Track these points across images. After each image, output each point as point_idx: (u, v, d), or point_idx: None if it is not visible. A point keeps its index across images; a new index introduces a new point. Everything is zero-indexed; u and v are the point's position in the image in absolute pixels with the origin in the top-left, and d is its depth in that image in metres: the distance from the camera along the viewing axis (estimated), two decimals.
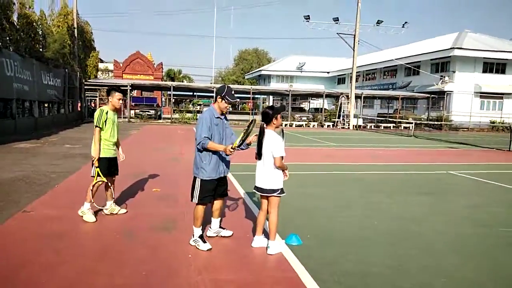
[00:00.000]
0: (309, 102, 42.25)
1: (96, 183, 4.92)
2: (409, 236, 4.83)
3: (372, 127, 32.17)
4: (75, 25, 24.97)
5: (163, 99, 43.15)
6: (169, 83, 31.16)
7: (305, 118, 33.21)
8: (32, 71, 17.42)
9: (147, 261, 3.75)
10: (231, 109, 32.09)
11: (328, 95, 35.78)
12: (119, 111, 5.54)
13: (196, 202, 4.11)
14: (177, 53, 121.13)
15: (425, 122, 31.42)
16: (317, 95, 36.83)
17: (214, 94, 28.99)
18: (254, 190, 4.18)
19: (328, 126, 31.92)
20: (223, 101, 4.05)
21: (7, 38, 15.54)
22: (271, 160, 3.93)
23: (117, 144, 5.23)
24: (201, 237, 4.14)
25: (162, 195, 6.46)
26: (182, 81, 49.73)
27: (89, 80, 27.92)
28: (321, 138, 19.82)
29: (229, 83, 63.16)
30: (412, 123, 26.10)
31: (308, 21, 30.48)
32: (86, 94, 28.79)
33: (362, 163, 11.16)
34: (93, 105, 32.38)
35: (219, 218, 4.48)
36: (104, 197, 5.25)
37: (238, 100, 4.08)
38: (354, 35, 29.34)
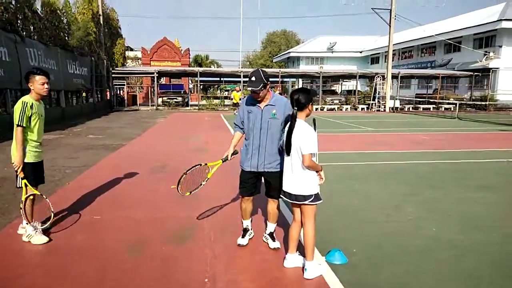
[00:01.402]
0: (341, 84, 40.41)
1: (27, 198, 3.81)
2: (478, 248, 3.82)
3: (410, 109, 30.19)
4: (100, 12, 24.64)
5: (190, 86, 42.79)
6: (196, 68, 30.55)
7: (337, 101, 31.65)
8: (56, 60, 17.21)
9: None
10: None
11: (362, 76, 33.87)
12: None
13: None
14: (204, 38, 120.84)
15: (468, 102, 29.11)
16: (350, 76, 34.99)
17: (242, 79, 27.98)
18: (282, 196, 3.31)
19: (362, 109, 30.27)
20: None
21: (31, 27, 15.24)
22: (300, 158, 3.05)
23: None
24: (244, 230, 3.85)
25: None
26: (210, 67, 49.08)
27: (117, 68, 27.73)
28: (356, 123, 18.54)
29: (256, 67, 61.87)
30: (454, 103, 24.10)
31: None
32: (114, 83, 28.64)
33: (405, 151, 9.98)
34: (121, 93, 32.35)
35: (271, 224, 3.81)
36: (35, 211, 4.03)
37: (253, 88, 3.32)
38: (390, 10, 27.29)
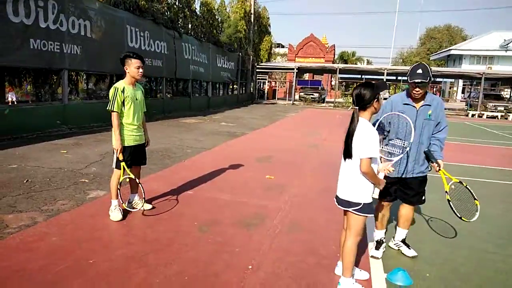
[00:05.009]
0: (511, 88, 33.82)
1: (123, 180, 4.03)
2: None
3: None
4: (252, 11, 26.54)
5: (333, 83, 42.42)
6: (335, 65, 30.10)
7: (501, 108, 26.70)
8: (207, 55, 19.40)
9: (200, 265, 3.15)
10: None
11: None
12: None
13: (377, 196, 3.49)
14: (354, 34, 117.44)
15: None
16: None
17: (385, 77, 26.39)
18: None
19: None
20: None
21: (189, 24, 17.54)
22: (355, 160, 2.68)
23: (143, 126, 4.25)
24: (378, 242, 3.53)
25: (272, 184, 5.80)
26: (356, 64, 47.59)
27: (261, 64, 29.54)
28: None
29: (410, 65, 57.06)
30: None
31: None
32: (258, 77, 30.66)
33: None
34: (263, 87, 34.32)
35: (404, 230, 3.56)
36: (128, 191, 4.42)
37: (418, 80, 3.10)
38: None
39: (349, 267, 2.74)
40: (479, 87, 28.34)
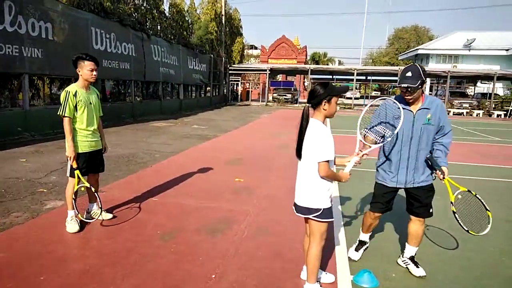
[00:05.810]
0: (475, 86, 35.18)
1: (77, 189, 3.82)
2: None
3: None
4: (223, 13, 26.38)
5: (306, 83, 42.83)
6: (307, 66, 30.33)
7: (466, 105, 27.71)
8: (178, 56, 19.08)
9: (159, 277, 2.99)
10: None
11: (502, 77, 28.89)
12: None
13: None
14: (325, 35, 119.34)
15: None
16: (488, 78, 30.20)
17: (355, 77, 26.72)
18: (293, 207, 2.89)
19: (498, 116, 25.86)
20: None
21: (158, 26, 17.19)
22: (311, 165, 2.59)
23: (99, 132, 4.04)
24: (360, 241, 3.43)
25: (241, 187, 5.69)
26: (327, 65, 48.24)
27: (233, 65, 29.41)
28: (483, 131, 15.88)
29: (380, 65, 58.52)
30: None
31: None
32: (231, 78, 30.51)
33: None
34: (237, 89, 34.20)
35: (413, 247, 3.22)
36: (86, 200, 4.25)
37: (404, 85, 2.84)
38: None
39: (314, 271, 2.65)
40: (445, 85, 29.30)
